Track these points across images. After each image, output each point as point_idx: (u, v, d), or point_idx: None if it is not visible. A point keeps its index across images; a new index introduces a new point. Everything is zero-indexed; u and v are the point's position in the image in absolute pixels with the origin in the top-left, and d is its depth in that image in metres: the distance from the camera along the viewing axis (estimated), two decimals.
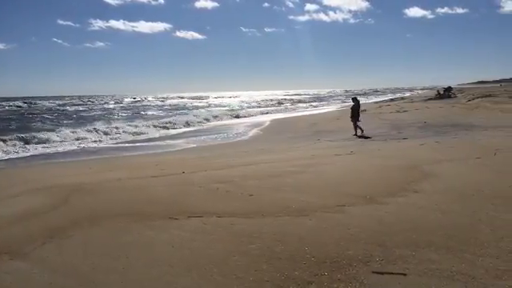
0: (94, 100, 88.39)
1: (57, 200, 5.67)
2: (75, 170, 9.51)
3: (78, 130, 21.43)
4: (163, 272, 3.24)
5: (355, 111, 15.46)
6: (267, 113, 38.13)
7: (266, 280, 3.03)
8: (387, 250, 3.42)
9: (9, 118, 36.17)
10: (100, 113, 45.40)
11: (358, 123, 15.32)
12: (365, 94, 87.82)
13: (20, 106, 60.22)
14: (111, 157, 13.86)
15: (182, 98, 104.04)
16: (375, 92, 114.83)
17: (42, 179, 7.78)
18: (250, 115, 35.57)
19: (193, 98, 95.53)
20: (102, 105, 65.98)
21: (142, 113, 43.94)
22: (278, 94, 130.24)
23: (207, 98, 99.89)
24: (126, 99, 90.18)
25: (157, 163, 9.57)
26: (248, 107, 50.80)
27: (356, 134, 15.00)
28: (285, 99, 74.29)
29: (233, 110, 43.74)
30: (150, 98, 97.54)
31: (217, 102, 73.29)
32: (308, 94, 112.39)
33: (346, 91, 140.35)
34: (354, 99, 16.28)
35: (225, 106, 53.81)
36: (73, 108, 56.08)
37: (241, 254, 3.50)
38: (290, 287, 2.92)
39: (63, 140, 18.83)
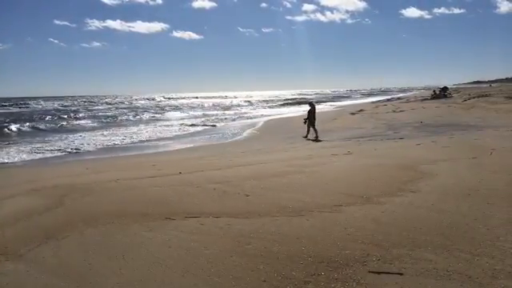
0: (103, 100, 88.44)
1: (53, 200, 5.64)
2: (72, 171, 9.47)
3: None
4: (160, 273, 3.23)
5: (311, 115, 16.27)
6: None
7: (263, 280, 3.02)
8: (384, 250, 3.43)
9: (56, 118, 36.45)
10: (129, 111, 45.88)
11: (315, 126, 16.20)
12: (375, 94, 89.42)
13: (22, 107, 60.36)
14: (108, 157, 13.82)
15: (192, 97, 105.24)
16: (383, 92, 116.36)
17: (38, 180, 7.74)
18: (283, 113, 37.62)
19: (203, 98, 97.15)
20: (118, 105, 66.00)
21: (191, 112, 43.88)
22: (285, 94, 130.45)
23: (224, 97, 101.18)
24: (141, 100, 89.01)
25: (154, 163, 9.55)
26: (274, 106, 53.12)
27: (316, 137, 15.60)
28: (298, 99, 75.27)
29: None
30: (161, 98, 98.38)
31: (237, 101, 73.40)
32: (318, 94, 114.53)
33: (350, 91, 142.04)
34: (311, 104, 17.18)
35: (247, 105, 55.40)
36: (98, 108, 55.96)
37: (238, 254, 3.50)
38: (288, 287, 2.92)
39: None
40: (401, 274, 3.01)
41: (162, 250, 3.68)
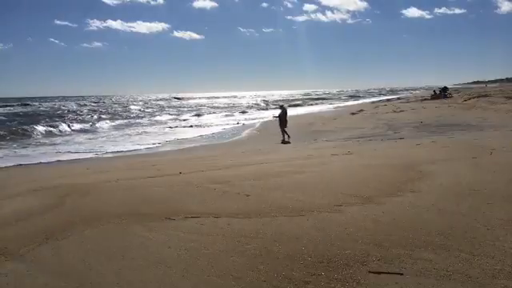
0: (112, 100, 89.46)
1: (53, 201, 5.64)
2: (72, 171, 9.48)
3: None
4: (160, 273, 3.23)
5: (282, 118, 16.67)
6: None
7: (263, 280, 3.02)
8: (384, 250, 3.43)
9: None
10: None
11: (285, 129, 16.55)
12: (384, 94, 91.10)
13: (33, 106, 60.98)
14: (108, 157, 13.84)
15: (203, 98, 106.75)
16: (391, 91, 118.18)
17: (39, 180, 7.74)
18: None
19: (214, 98, 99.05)
20: (134, 103, 67.19)
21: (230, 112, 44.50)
22: (293, 93, 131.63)
23: (234, 97, 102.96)
24: (157, 100, 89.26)
25: (154, 164, 9.56)
26: (291, 105, 55.83)
27: (284, 140, 15.99)
28: (314, 98, 77.16)
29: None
30: (172, 98, 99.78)
31: (253, 101, 74.16)
32: (327, 94, 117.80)
33: (357, 91, 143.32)
34: (282, 107, 17.60)
35: (266, 105, 58.04)
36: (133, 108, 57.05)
37: (238, 254, 3.49)
38: (287, 287, 2.92)
39: None
40: (401, 274, 3.00)
41: (162, 250, 3.67)
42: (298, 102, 64.28)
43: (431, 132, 14.77)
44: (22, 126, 26.51)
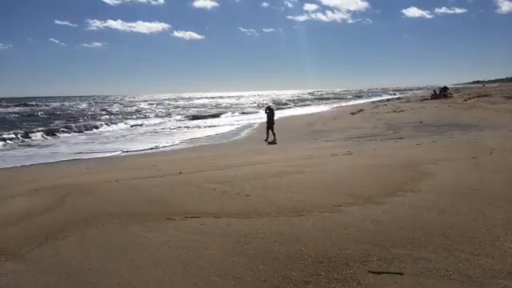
0: (117, 100, 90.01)
1: (53, 201, 5.64)
2: (72, 171, 9.48)
3: None
4: (160, 273, 3.23)
5: (270, 119, 17.02)
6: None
7: (263, 280, 3.03)
8: (384, 250, 3.43)
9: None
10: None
11: (273, 130, 16.85)
12: (389, 94, 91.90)
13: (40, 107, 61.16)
14: (109, 157, 13.84)
15: (209, 97, 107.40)
16: (396, 91, 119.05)
17: (39, 180, 7.74)
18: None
19: (219, 98, 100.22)
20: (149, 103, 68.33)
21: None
22: (296, 93, 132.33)
23: (239, 97, 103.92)
24: (166, 100, 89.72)
25: (154, 164, 9.55)
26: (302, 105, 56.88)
27: (267, 140, 16.28)
28: (324, 98, 78.04)
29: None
30: (177, 98, 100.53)
31: (262, 100, 74.88)
32: (332, 93, 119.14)
33: (360, 91, 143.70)
34: (269, 108, 17.82)
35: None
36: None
37: (238, 254, 3.50)
38: (288, 287, 2.92)
39: None
40: (401, 274, 3.01)
41: (162, 249, 3.68)
42: (308, 102, 64.60)
43: (431, 132, 14.78)
44: (37, 127, 26.43)
